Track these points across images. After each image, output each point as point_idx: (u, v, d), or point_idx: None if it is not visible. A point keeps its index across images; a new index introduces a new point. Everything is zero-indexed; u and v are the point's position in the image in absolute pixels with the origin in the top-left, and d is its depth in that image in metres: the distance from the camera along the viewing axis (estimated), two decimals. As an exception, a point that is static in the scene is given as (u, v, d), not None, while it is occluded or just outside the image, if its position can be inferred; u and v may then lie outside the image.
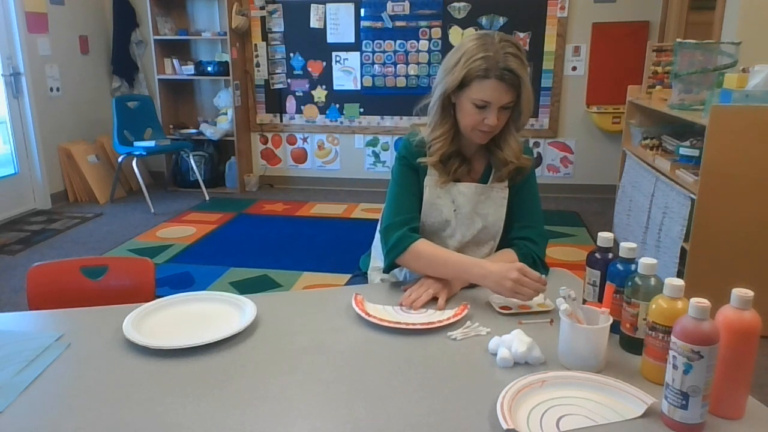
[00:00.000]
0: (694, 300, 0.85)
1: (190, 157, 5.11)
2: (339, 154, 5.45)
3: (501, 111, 1.38)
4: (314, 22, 5.14)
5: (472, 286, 1.39)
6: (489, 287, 1.31)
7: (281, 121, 5.45)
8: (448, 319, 1.22)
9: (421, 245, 1.41)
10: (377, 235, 1.57)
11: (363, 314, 1.23)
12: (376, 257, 1.60)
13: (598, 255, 1.18)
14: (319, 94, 5.31)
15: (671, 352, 0.87)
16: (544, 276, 1.45)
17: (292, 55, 5.26)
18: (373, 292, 1.38)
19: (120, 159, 4.87)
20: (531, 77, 5.24)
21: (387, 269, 1.47)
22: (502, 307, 1.28)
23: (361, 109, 5.27)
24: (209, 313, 1.28)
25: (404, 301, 1.31)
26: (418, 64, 4.99)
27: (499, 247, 1.52)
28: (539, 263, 1.47)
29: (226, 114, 5.31)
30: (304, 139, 5.48)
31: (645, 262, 1.05)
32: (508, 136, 1.45)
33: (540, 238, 1.50)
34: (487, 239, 1.51)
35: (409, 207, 1.48)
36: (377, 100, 5.19)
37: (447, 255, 1.40)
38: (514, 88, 1.35)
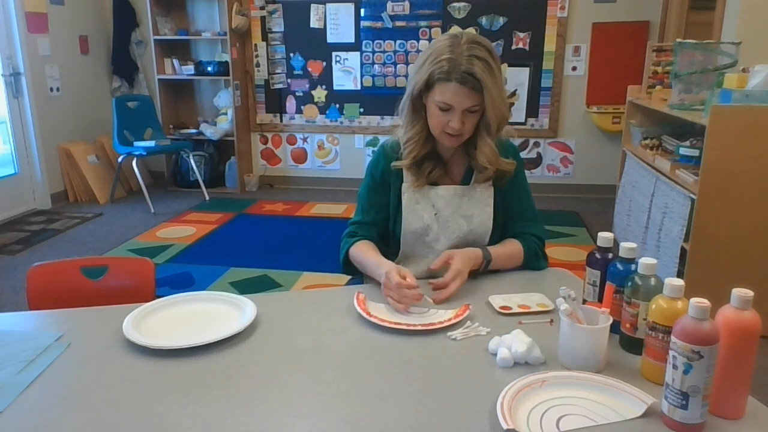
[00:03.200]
0: (694, 300, 0.85)
1: (190, 157, 5.11)
2: (339, 154, 5.45)
3: (467, 115, 1.36)
4: (314, 22, 5.14)
5: (470, 286, 1.39)
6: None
7: (281, 121, 5.45)
8: (450, 320, 1.21)
9: (354, 248, 1.49)
10: None
11: (364, 314, 1.23)
12: None
13: (598, 255, 1.18)
14: (319, 94, 5.31)
15: (671, 352, 0.87)
16: (543, 267, 1.52)
17: (292, 55, 5.26)
18: (374, 292, 1.37)
19: (120, 159, 4.87)
20: (530, 77, 5.23)
21: (343, 272, 1.56)
22: (502, 307, 1.28)
23: (361, 109, 5.27)
24: (209, 313, 1.27)
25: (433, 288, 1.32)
26: (418, 64, 4.97)
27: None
28: (541, 256, 1.52)
29: (226, 114, 5.31)
30: (304, 139, 5.48)
31: (645, 262, 1.05)
32: (480, 141, 1.42)
33: (542, 233, 1.54)
34: (475, 240, 1.50)
35: (362, 219, 1.55)
36: (377, 100, 5.20)
37: (367, 256, 1.44)
38: (477, 92, 1.33)
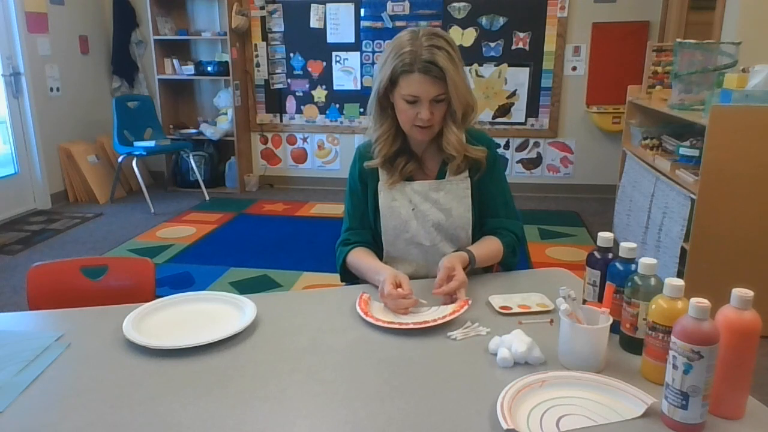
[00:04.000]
0: (694, 300, 0.85)
1: (190, 157, 5.11)
2: (339, 154, 5.45)
3: (434, 105, 1.38)
4: (314, 22, 5.14)
5: (469, 285, 1.39)
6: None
7: (281, 121, 5.45)
8: (444, 317, 1.20)
9: (350, 256, 1.51)
10: None
11: (361, 313, 1.23)
12: None
13: (598, 255, 1.18)
14: (319, 94, 5.31)
15: (671, 352, 0.87)
16: (516, 264, 1.54)
17: (292, 55, 5.26)
18: (377, 293, 1.37)
19: (120, 159, 4.87)
20: (530, 77, 5.22)
21: (342, 280, 1.57)
22: (502, 307, 1.28)
23: (361, 109, 5.27)
24: (209, 313, 1.28)
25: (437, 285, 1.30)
26: (418, 64, 4.97)
27: (475, 239, 1.52)
28: (518, 253, 1.54)
29: (226, 114, 5.31)
30: (304, 139, 5.48)
31: (645, 262, 1.05)
32: (446, 129, 1.43)
33: (520, 230, 1.55)
34: (456, 233, 1.50)
35: (351, 225, 1.57)
36: (377, 100, 5.19)
37: (366, 263, 1.45)
38: (440, 81, 1.34)
